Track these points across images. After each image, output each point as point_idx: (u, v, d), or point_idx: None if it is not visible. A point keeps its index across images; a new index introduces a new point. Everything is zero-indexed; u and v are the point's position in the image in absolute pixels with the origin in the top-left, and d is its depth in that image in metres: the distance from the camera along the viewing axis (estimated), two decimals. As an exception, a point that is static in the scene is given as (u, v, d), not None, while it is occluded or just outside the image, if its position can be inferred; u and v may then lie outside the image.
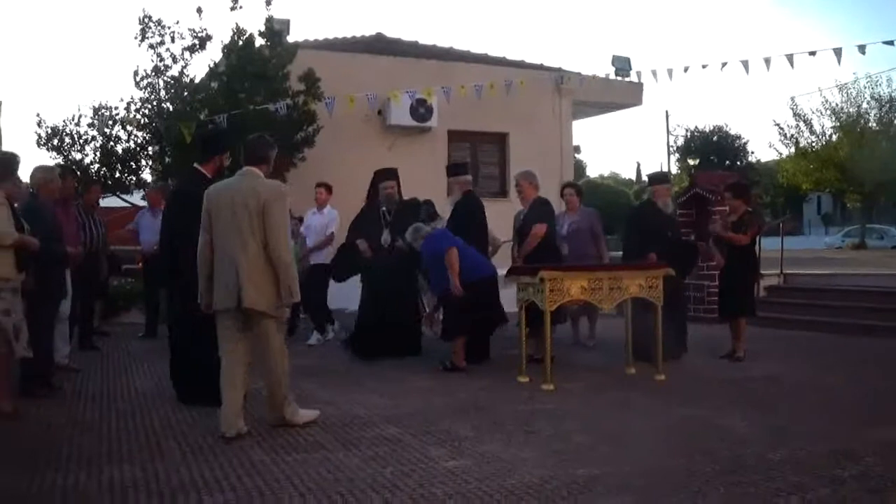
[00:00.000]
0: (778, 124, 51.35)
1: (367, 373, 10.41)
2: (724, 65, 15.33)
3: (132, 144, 18.26)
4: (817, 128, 49.36)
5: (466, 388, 9.44)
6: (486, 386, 9.54)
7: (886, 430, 7.44)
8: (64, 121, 18.00)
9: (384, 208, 12.40)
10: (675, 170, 56.48)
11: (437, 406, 8.41)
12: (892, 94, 47.28)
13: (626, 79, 21.13)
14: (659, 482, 5.93)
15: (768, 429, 7.52)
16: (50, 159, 17.51)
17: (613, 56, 21.41)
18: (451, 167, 12.82)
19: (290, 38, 18.96)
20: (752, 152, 64.77)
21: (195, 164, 8.89)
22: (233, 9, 17.51)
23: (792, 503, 5.48)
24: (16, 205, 8.39)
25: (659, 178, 12.76)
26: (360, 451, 6.81)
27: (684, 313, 12.05)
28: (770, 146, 56.73)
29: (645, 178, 19.44)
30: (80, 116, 17.98)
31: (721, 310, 12.10)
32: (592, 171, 79.09)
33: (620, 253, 12.68)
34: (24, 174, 9.56)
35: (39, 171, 9.65)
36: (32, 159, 43.16)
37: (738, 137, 63.97)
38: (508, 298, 10.74)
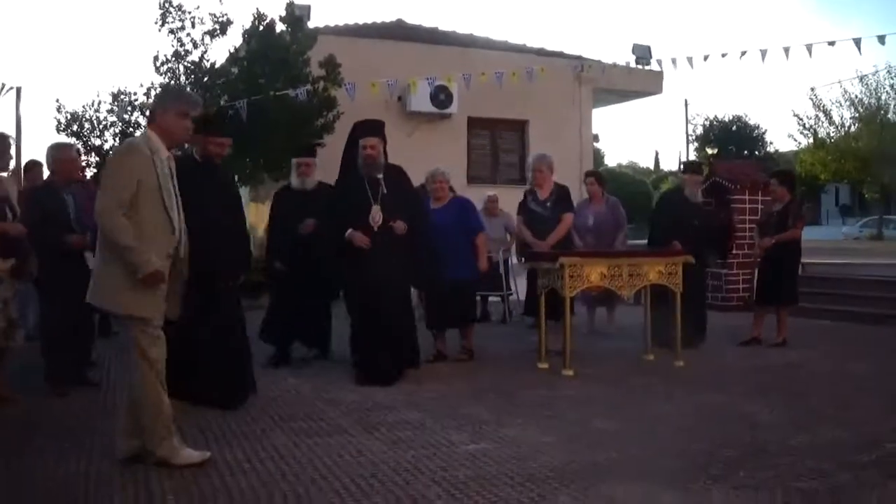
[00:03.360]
0: (797, 115, 51.23)
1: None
2: (743, 53, 15.26)
3: (152, 130, 18.25)
4: (836, 119, 49.25)
5: (487, 373, 9.49)
6: (506, 372, 9.57)
7: (907, 418, 7.44)
8: (83, 106, 18.05)
9: (364, 175, 9.33)
10: (693, 159, 56.36)
11: (458, 391, 8.45)
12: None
13: (647, 67, 21.13)
14: (680, 467, 5.95)
15: (789, 415, 7.54)
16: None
17: (634, 44, 21.43)
18: None
19: (311, 24, 18.91)
20: (771, 142, 64.56)
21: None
22: (254, -6, 17.55)
23: (811, 487, 5.49)
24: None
25: (691, 168, 12.79)
26: (381, 435, 6.84)
27: (704, 302, 12.03)
28: (789, 137, 56.64)
29: (663, 168, 19.35)
30: (99, 102, 18.04)
31: (762, 298, 12.02)
32: (611, 160, 78.87)
33: (639, 241, 12.70)
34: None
35: (51, 150, 8.91)
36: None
37: (757, 127, 63.81)
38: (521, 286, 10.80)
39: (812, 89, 57.02)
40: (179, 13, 17.58)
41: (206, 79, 17.58)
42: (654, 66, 19.98)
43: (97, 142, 18.03)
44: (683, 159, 47.25)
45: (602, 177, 13.76)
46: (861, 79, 47.16)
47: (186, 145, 8.36)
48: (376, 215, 9.22)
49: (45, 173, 9.77)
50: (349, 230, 9.17)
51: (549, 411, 7.72)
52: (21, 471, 5.88)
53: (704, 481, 5.61)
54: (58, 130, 17.76)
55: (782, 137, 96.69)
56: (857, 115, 47.88)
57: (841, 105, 48.65)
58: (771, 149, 63.01)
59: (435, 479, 5.70)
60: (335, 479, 5.72)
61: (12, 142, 8.36)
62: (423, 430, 7.00)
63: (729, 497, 5.28)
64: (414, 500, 5.25)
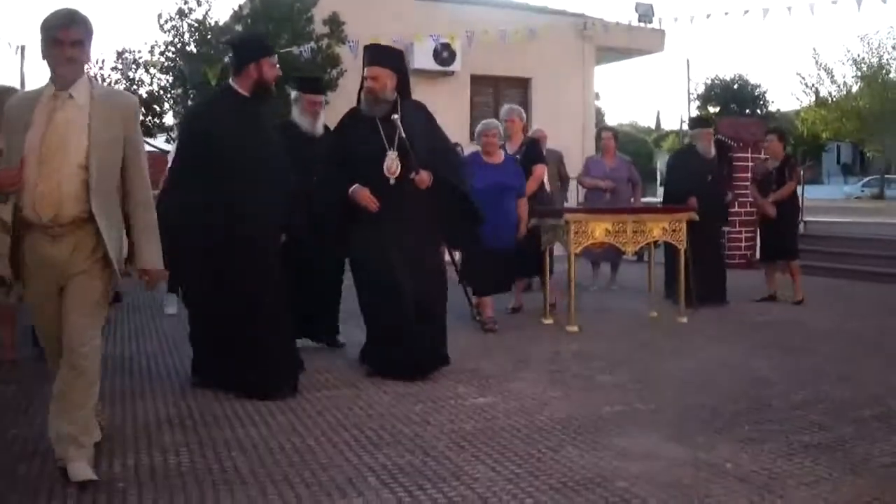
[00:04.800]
0: (799, 74, 51.24)
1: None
2: (745, 12, 15.29)
3: (156, 88, 18.30)
4: (838, 78, 49.20)
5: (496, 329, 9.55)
6: (511, 328, 9.64)
7: (908, 375, 7.53)
8: (87, 65, 18.07)
9: (371, 112, 7.57)
10: (702, 113, 56.25)
11: (464, 346, 8.48)
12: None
13: (649, 25, 21.09)
14: (684, 420, 6.04)
15: (793, 371, 7.62)
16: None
17: (637, 3, 21.35)
18: None
19: (315, -19, 18.88)
20: (772, 101, 64.52)
21: (229, 81, 7.17)
22: (258, -50, 17.50)
23: (815, 440, 5.58)
24: None
25: (699, 122, 12.75)
26: (390, 389, 6.92)
27: (722, 259, 12.13)
28: (792, 95, 56.62)
29: (664, 127, 19.39)
30: (103, 60, 18.06)
31: (767, 254, 12.15)
32: (612, 119, 78.67)
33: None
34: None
35: None
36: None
37: (758, 86, 63.70)
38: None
39: (814, 49, 56.98)
40: (183, -30, 17.56)
41: (209, 36, 17.57)
42: (656, 25, 19.94)
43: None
44: (685, 118, 47.24)
45: (617, 132, 13.83)
46: (862, 38, 47.15)
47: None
48: (392, 164, 7.43)
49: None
50: (353, 186, 7.42)
51: (554, 366, 7.80)
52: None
53: (709, 434, 5.69)
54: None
55: (783, 97, 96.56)
56: (858, 74, 47.79)
57: (843, 64, 48.62)
58: (773, 108, 62.95)
59: (443, 430, 5.78)
60: (345, 430, 5.80)
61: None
62: (431, 385, 7.07)
63: (733, 449, 5.35)
64: (423, 451, 5.33)
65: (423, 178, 7.45)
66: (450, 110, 18.12)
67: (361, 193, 7.37)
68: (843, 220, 19.84)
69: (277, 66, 7.05)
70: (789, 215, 11.98)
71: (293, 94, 8.75)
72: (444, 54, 19.39)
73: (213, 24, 17.77)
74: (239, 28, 17.62)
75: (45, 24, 4.78)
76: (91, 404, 4.98)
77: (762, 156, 14.56)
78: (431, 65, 19.55)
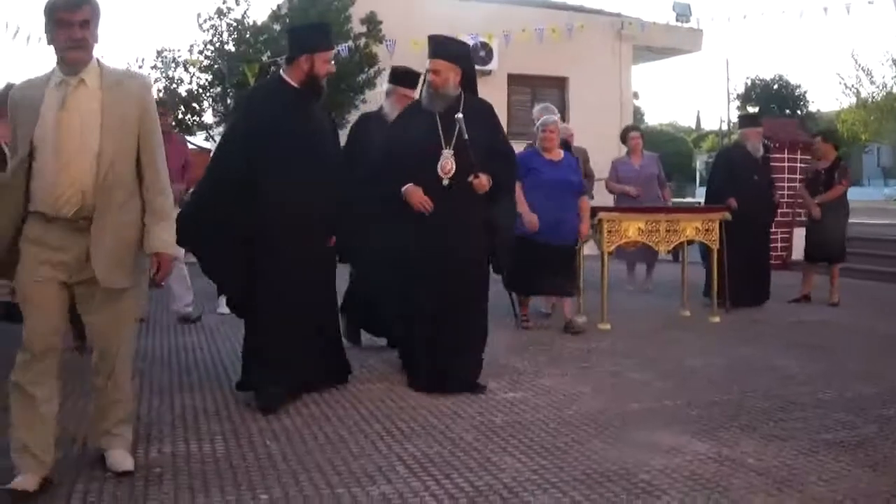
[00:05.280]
0: (839, 74, 50.91)
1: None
2: (782, 12, 15.32)
3: (195, 86, 18.51)
4: (878, 79, 48.81)
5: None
6: (543, 325, 9.72)
7: (937, 374, 7.56)
8: (127, 63, 18.29)
9: (430, 109, 7.11)
10: (735, 118, 56.03)
11: (496, 342, 8.50)
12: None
13: (686, 25, 21.13)
14: (711, 416, 6.12)
15: (820, 370, 7.68)
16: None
17: (674, 2, 21.41)
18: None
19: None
20: (812, 101, 64.12)
21: (280, 70, 6.88)
22: (296, -50, 17.65)
23: (837, 438, 5.65)
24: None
25: (749, 120, 12.60)
26: (422, 383, 7.03)
27: (768, 260, 12.10)
28: (836, 100, 56.29)
29: (704, 127, 19.38)
30: (143, 59, 18.30)
31: (811, 256, 12.05)
32: (651, 119, 78.40)
33: (678, 200, 12.75)
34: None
35: None
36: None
37: (798, 87, 63.29)
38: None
39: (853, 50, 56.70)
40: (223, -30, 17.74)
41: (248, 35, 17.76)
42: (693, 24, 19.98)
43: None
44: (724, 118, 47.14)
45: (642, 131, 13.82)
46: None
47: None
48: (447, 163, 6.95)
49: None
50: (407, 185, 6.92)
51: (585, 363, 7.89)
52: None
53: (733, 431, 5.77)
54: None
55: (822, 97, 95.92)
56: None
57: (882, 65, 48.26)
58: (812, 108, 62.54)
59: (473, 423, 5.89)
60: (377, 422, 5.92)
61: None
62: (463, 380, 7.17)
63: (756, 445, 5.44)
64: (452, 442, 5.45)
65: (483, 182, 6.93)
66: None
67: (415, 193, 6.87)
68: (883, 223, 19.77)
69: (332, 63, 6.66)
70: (839, 218, 11.87)
71: (386, 86, 8.56)
72: (481, 53, 19.49)
73: (251, 23, 17.95)
74: (277, 27, 17.79)
75: (50, 6, 4.52)
76: (126, 399, 4.99)
77: (798, 156, 14.58)
78: (469, 64, 19.62)
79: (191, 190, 8.39)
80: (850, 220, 12.25)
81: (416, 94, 7.91)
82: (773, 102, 59.14)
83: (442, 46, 7.19)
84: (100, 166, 4.51)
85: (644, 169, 12.68)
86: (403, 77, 8.39)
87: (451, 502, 4.47)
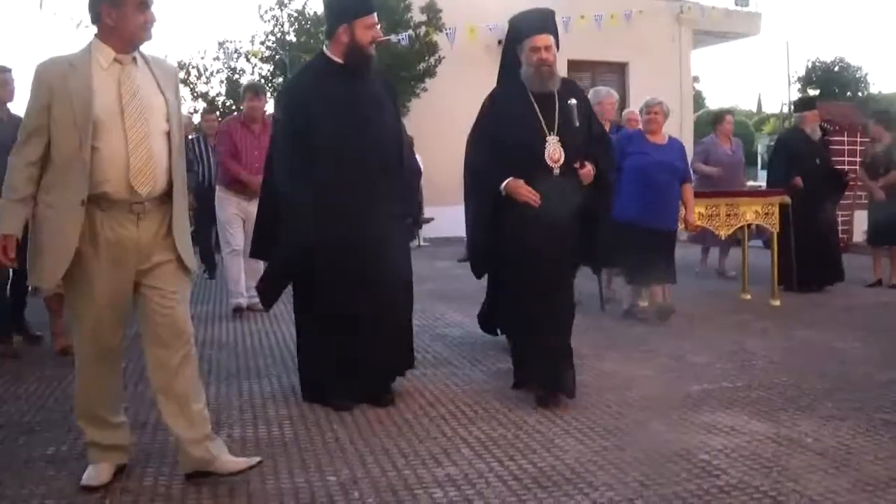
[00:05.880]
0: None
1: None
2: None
3: (257, 76, 18.71)
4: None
5: (587, 311, 9.63)
6: (605, 310, 9.78)
7: None
8: (190, 55, 18.57)
9: (533, 90, 6.35)
10: (807, 94, 55.50)
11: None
12: None
13: (745, 8, 21.04)
14: (770, 397, 6.20)
15: (880, 352, 7.70)
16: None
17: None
18: None
19: (412, -30, 19.14)
20: (873, 84, 63.31)
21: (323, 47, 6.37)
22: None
23: (894, 419, 5.70)
24: None
25: (805, 104, 12.54)
26: (484, 367, 7.18)
27: (837, 242, 12.07)
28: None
29: (765, 110, 19.28)
30: (205, 50, 18.57)
31: (876, 239, 12.07)
32: (712, 103, 77.66)
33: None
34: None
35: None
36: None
37: (859, 69, 62.54)
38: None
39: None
40: (283, -38, 17.91)
41: (308, 26, 17.92)
42: (752, 8, 19.88)
43: (204, 88, 18.53)
44: (785, 101, 46.70)
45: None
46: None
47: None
48: (555, 151, 6.28)
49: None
50: (508, 179, 6.24)
51: (646, 346, 7.97)
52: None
53: (792, 412, 5.85)
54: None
55: (885, 78, 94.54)
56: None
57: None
58: (874, 90, 61.81)
59: (535, 406, 6.00)
60: (441, 405, 6.06)
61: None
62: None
63: (815, 426, 5.51)
64: (515, 425, 5.57)
65: (590, 170, 6.40)
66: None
67: (520, 187, 6.20)
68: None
69: (377, 26, 6.08)
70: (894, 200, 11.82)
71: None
72: (539, 38, 19.47)
73: (312, 13, 18.10)
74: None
75: None
76: (203, 394, 4.70)
77: (858, 139, 14.50)
78: (528, 51, 19.64)
79: None
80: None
81: None
82: (833, 85, 58.51)
83: (546, 20, 6.53)
84: (171, 144, 4.48)
85: (735, 154, 12.73)
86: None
87: (515, 483, 4.58)
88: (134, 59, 4.46)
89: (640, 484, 4.54)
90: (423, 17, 17.77)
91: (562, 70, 20.30)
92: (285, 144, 6.05)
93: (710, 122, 13.98)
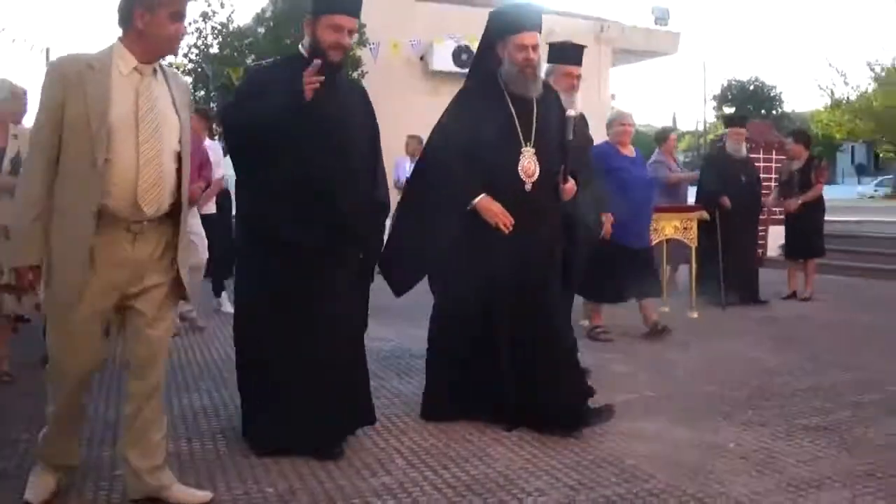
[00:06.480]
0: (815, 78, 51.41)
1: (422, 314, 10.24)
2: (757, 15, 15.54)
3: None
4: (852, 80, 49.29)
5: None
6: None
7: (910, 363, 7.85)
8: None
9: (512, 93, 5.79)
10: (711, 118, 56.50)
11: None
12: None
13: (665, 28, 21.41)
14: (691, 406, 6.39)
15: (797, 361, 7.96)
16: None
17: (653, 7, 21.70)
18: None
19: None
20: (786, 102, 64.66)
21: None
22: (281, -46, 17.73)
23: (813, 423, 5.93)
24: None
25: (732, 121, 12.87)
26: (412, 380, 7.24)
27: (754, 258, 12.31)
28: (820, 97, 56.51)
29: (680, 128, 19.61)
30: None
31: (792, 253, 12.46)
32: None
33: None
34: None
35: None
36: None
37: (774, 88, 63.82)
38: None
39: (826, 52, 57.06)
40: (207, -27, 17.83)
41: (231, 39, 17.86)
42: (671, 28, 20.28)
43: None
44: (700, 119, 47.52)
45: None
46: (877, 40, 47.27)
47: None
48: (529, 164, 5.73)
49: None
50: (480, 196, 5.67)
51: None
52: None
53: (714, 419, 6.03)
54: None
55: (797, 98, 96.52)
56: (872, 75, 47.82)
57: (857, 66, 48.71)
58: (788, 108, 63.07)
59: (466, 416, 6.03)
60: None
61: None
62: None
63: (736, 432, 5.71)
64: (446, 435, 5.68)
65: (572, 187, 5.98)
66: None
67: (492, 207, 5.65)
68: (857, 219, 20.05)
69: (346, 31, 5.19)
70: (817, 215, 12.22)
71: (546, 66, 6.85)
72: (462, 56, 19.66)
73: (235, 26, 18.07)
74: (262, 31, 17.94)
75: None
76: (164, 424, 4.58)
77: (774, 157, 14.88)
78: (451, 66, 19.80)
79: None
80: (827, 218, 12.54)
81: (579, 73, 7.01)
82: (748, 103, 59.68)
83: (534, 17, 5.90)
84: (182, 165, 4.30)
85: (679, 170, 13.04)
86: (569, 52, 7.17)
87: (450, 491, 4.68)
88: (154, 70, 4.30)
89: (570, 489, 4.67)
90: (347, 32, 17.79)
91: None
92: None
93: (654, 140, 14.16)
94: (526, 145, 5.70)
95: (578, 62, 6.95)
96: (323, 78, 4.86)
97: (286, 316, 5.16)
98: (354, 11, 5.25)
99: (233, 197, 8.69)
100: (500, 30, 5.86)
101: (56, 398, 4.35)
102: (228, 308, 9.90)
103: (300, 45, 5.46)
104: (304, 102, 4.87)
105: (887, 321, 10.31)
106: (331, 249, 5.18)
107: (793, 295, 12.14)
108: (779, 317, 10.68)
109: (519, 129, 5.71)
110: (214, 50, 17.94)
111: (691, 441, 5.52)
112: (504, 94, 5.78)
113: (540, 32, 5.83)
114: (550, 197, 5.85)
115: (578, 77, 6.52)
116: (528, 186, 5.69)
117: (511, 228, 5.64)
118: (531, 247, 5.70)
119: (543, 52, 6.11)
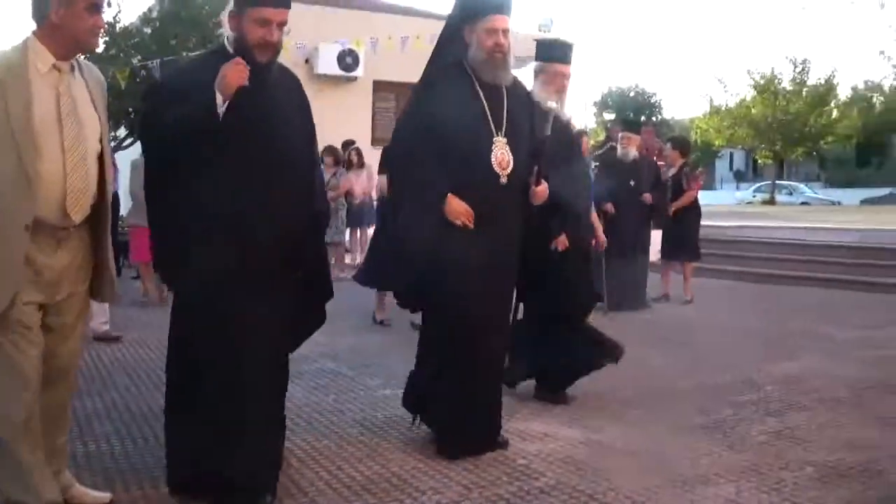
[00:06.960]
0: (694, 85, 52.41)
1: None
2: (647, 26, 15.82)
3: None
4: (731, 87, 50.31)
5: (395, 326, 9.86)
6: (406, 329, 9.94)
7: (785, 365, 8.14)
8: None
9: (483, 80, 5.43)
10: (592, 124, 57.30)
11: (372, 343, 8.96)
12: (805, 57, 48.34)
13: (549, 35, 21.67)
14: (580, 406, 6.55)
15: (679, 362, 8.26)
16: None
17: (541, 22, 21.98)
18: None
19: (222, -15, 19.04)
20: (666, 109, 65.79)
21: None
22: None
23: (697, 422, 6.14)
24: None
25: (624, 125, 12.79)
26: (303, 383, 7.21)
27: (644, 264, 12.34)
28: (700, 104, 57.56)
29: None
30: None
31: (668, 255, 12.72)
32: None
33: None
34: None
35: None
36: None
37: (654, 95, 64.89)
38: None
39: (706, 59, 58.12)
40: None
41: (118, 39, 17.62)
42: (554, 35, 20.51)
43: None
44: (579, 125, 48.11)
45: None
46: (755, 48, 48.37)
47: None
48: (503, 156, 5.33)
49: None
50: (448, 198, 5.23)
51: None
52: None
53: (600, 419, 6.19)
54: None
55: (678, 105, 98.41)
56: (752, 82, 48.89)
57: (736, 74, 49.79)
58: (668, 115, 64.16)
59: (356, 418, 6.19)
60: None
61: None
62: (340, 378, 7.48)
63: (623, 431, 5.89)
64: (339, 436, 5.75)
65: (543, 190, 5.61)
66: (353, 115, 18.51)
67: (457, 206, 5.21)
68: (735, 224, 20.52)
69: (275, 24, 4.49)
70: (691, 219, 12.50)
71: (535, 63, 6.62)
72: (347, 60, 19.72)
73: (122, 26, 17.83)
74: (148, 31, 17.74)
75: None
76: (68, 427, 4.46)
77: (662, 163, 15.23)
78: (335, 70, 19.90)
79: None
80: (703, 223, 12.82)
81: (569, 72, 6.51)
82: (628, 110, 60.51)
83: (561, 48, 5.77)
84: (104, 165, 4.09)
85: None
86: (559, 50, 6.68)
87: (345, 490, 4.75)
88: (72, 66, 4.01)
89: (464, 487, 4.77)
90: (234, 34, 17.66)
91: (367, 90, 20.49)
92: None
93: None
94: (498, 135, 5.31)
95: (570, 61, 6.51)
96: (246, 83, 4.26)
97: (212, 346, 4.43)
98: (284, 2, 4.55)
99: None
100: (467, 13, 5.49)
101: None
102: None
103: (224, 39, 4.73)
104: (220, 122, 4.24)
105: (764, 323, 10.62)
106: (260, 276, 4.44)
107: (665, 296, 12.42)
108: (661, 320, 10.96)
109: (490, 119, 5.32)
110: (100, 50, 17.66)
111: (579, 440, 5.67)
112: (473, 81, 5.40)
113: (510, 17, 5.42)
114: (524, 192, 5.50)
115: (568, 77, 6.27)
116: (503, 180, 5.28)
117: (481, 222, 5.21)
118: (502, 243, 5.37)
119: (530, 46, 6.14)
